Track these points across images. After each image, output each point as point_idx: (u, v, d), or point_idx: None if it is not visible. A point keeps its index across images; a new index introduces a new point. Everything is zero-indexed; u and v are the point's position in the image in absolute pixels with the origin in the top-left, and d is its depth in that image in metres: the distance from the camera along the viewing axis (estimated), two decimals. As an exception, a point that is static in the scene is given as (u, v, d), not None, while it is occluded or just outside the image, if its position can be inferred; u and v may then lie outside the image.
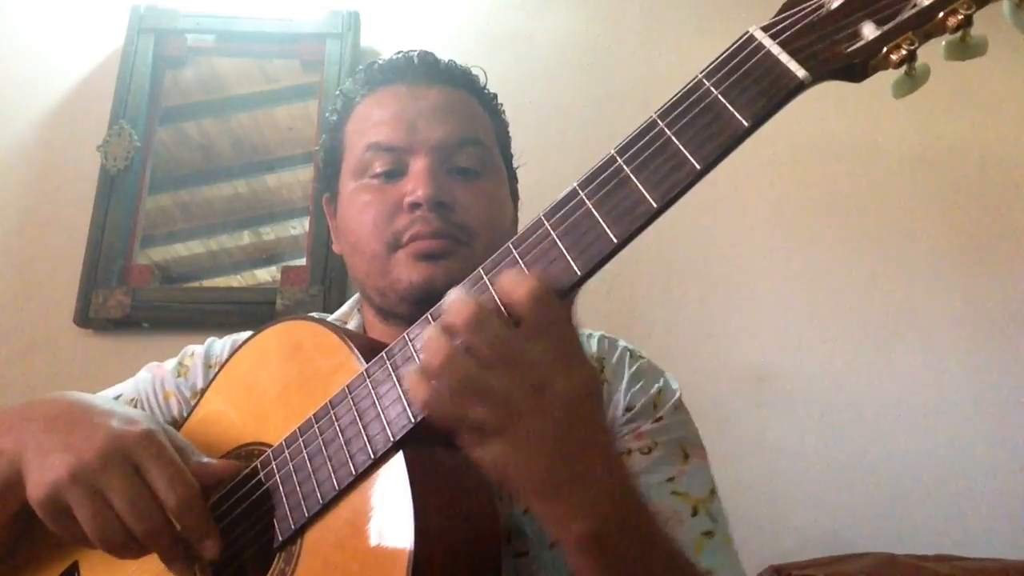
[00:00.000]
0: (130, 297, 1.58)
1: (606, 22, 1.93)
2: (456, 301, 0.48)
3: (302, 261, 1.68)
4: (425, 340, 0.48)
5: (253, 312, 1.60)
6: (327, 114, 0.90)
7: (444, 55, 0.86)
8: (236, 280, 1.83)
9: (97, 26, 1.82)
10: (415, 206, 0.74)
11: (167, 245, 1.83)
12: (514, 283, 0.48)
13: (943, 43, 0.45)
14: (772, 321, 1.68)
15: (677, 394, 0.81)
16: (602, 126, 1.82)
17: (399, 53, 0.85)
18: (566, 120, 1.82)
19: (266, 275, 1.82)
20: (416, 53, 0.84)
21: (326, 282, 1.61)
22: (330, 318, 0.87)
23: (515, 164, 0.91)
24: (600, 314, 1.55)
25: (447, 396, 0.48)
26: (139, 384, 0.85)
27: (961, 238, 1.74)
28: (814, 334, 1.67)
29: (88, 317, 1.57)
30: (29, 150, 1.74)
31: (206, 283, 1.83)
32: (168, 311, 1.60)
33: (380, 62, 0.85)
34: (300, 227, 1.79)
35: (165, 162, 1.80)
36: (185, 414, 0.79)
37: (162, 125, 1.79)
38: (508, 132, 0.91)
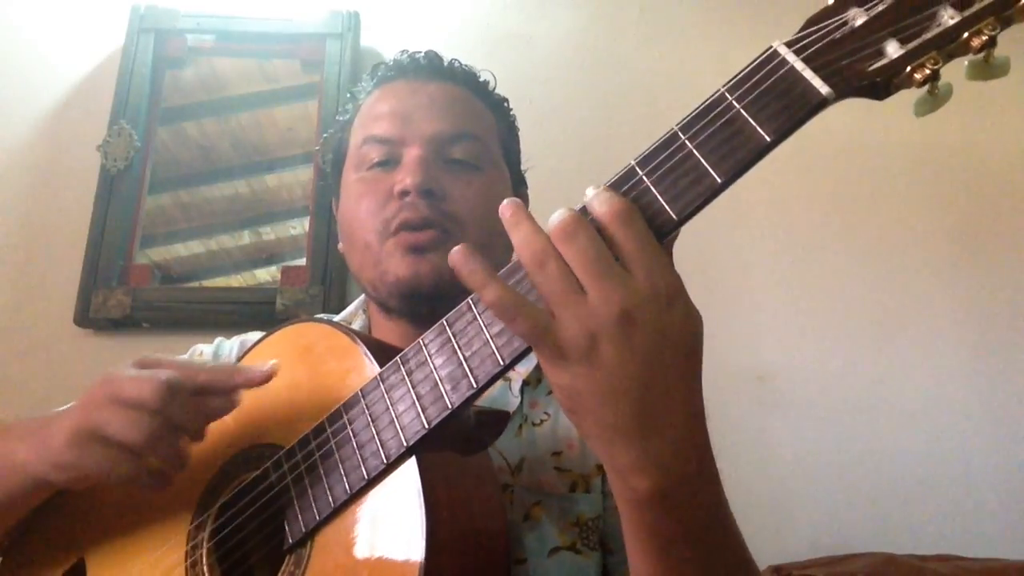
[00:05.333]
0: (130, 297, 1.58)
1: (606, 22, 1.93)
2: (558, 212, 0.46)
3: (302, 261, 1.68)
4: (523, 236, 0.46)
5: (253, 312, 1.60)
6: (338, 115, 0.91)
7: (444, 55, 0.87)
8: (236, 280, 1.83)
9: (97, 26, 1.82)
10: (404, 193, 0.75)
11: (167, 245, 1.83)
12: (602, 200, 0.46)
13: (966, 63, 0.45)
14: (772, 321, 1.68)
15: None
16: (602, 126, 1.82)
17: (404, 52, 0.86)
18: (566, 120, 1.82)
19: (266, 275, 1.82)
20: (422, 52, 0.85)
21: (326, 282, 1.61)
22: (336, 319, 0.87)
23: (524, 168, 0.91)
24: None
25: (529, 304, 0.46)
26: None
27: (961, 238, 1.74)
28: (814, 334, 1.67)
29: (88, 317, 1.57)
30: (29, 150, 1.74)
31: (206, 283, 1.83)
32: (168, 311, 1.60)
33: (387, 61, 0.86)
34: (300, 227, 1.79)
35: (165, 162, 1.80)
36: None
37: (162, 125, 1.79)
38: (516, 135, 0.91)
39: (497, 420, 0.58)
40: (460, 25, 1.88)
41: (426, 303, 0.74)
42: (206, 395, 0.59)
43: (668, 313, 0.45)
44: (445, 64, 0.85)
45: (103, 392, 0.57)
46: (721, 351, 1.66)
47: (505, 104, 0.90)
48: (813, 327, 1.67)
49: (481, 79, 0.88)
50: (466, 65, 0.87)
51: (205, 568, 0.62)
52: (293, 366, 0.66)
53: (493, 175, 0.82)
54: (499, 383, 0.77)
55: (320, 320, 0.69)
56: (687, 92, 1.84)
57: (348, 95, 0.90)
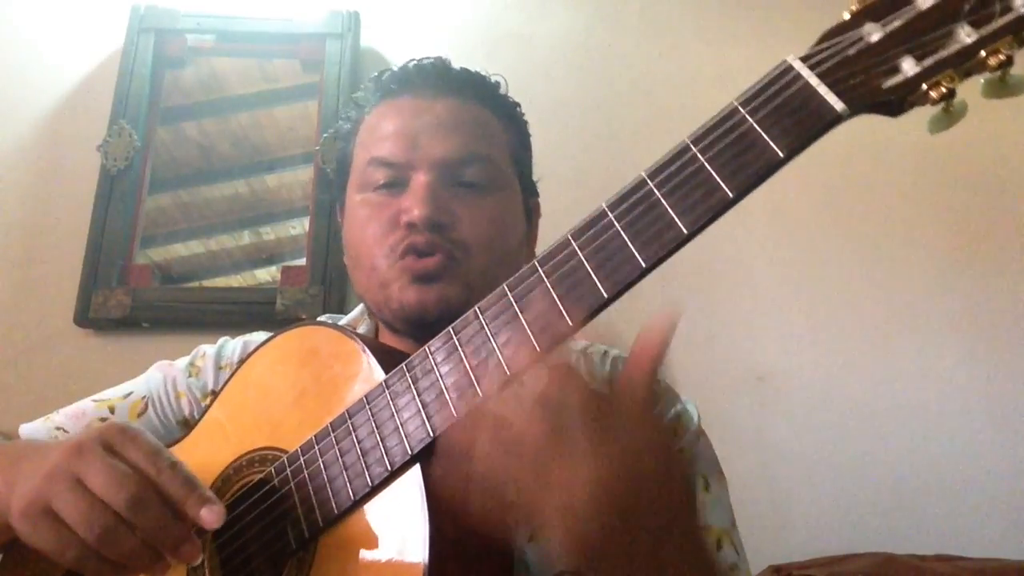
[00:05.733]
0: (130, 297, 1.58)
1: (606, 22, 1.93)
2: (542, 375, 0.46)
3: (302, 261, 1.68)
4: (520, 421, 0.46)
5: (253, 312, 1.60)
6: (340, 121, 0.88)
7: (444, 55, 0.84)
8: (236, 280, 1.83)
9: (97, 26, 1.82)
10: (411, 225, 0.72)
11: (167, 245, 1.83)
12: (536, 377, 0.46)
13: (982, 80, 0.45)
14: (772, 321, 1.68)
15: (696, 419, 0.78)
16: (601, 126, 1.82)
17: (412, 61, 0.82)
18: (566, 120, 1.82)
19: (266, 275, 1.82)
20: (428, 62, 0.82)
21: (326, 282, 1.61)
22: (342, 322, 0.86)
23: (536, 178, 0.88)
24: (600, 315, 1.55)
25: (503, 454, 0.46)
26: (150, 383, 0.84)
27: (961, 238, 1.75)
28: (814, 334, 1.67)
29: (88, 317, 1.57)
30: (29, 150, 1.74)
31: (206, 283, 1.83)
32: (168, 311, 1.60)
33: (392, 70, 0.83)
34: (300, 227, 1.79)
35: (165, 162, 1.80)
36: (197, 415, 0.79)
37: (162, 125, 1.79)
38: (528, 143, 0.88)
39: None
40: (460, 25, 1.88)
41: (431, 329, 0.73)
42: (173, 505, 0.55)
43: (645, 481, 0.45)
44: (453, 75, 0.81)
45: (71, 468, 0.54)
46: (721, 351, 1.67)
47: (517, 110, 0.86)
48: (813, 327, 1.67)
49: (492, 81, 0.84)
50: (476, 73, 0.83)
51: (207, 571, 0.62)
52: (298, 370, 0.65)
53: (502, 196, 0.79)
54: None
55: (326, 324, 0.68)
56: (687, 92, 1.86)
57: (351, 100, 0.87)
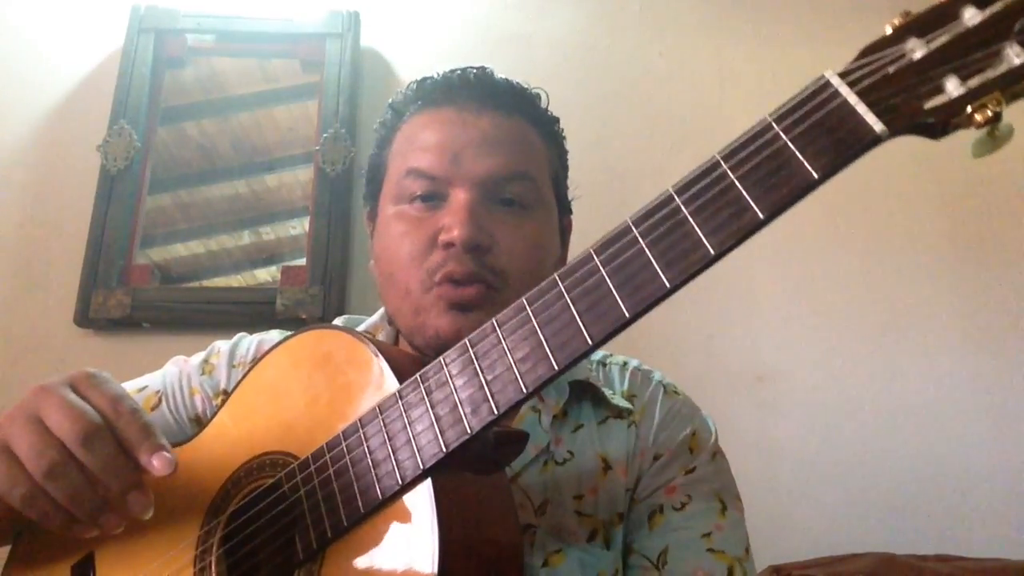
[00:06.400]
0: (130, 297, 1.58)
1: (606, 22, 1.93)
2: None
3: (302, 261, 1.68)
4: None
5: (253, 312, 1.60)
6: (374, 127, 0.86)
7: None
8: (236, 280, 1.83)
9: (97, 26, 1.82)
10: (449, 245, 0.71)
11: (167, 245, 1.83)
12: None
13: None
14: (772, 321, 1.68)
15: (713, 438, 0.77)
16: (601, 126, 1.82)
17: (456, 71, 0.80)
18: (566, 120, 1.80)
19: (266, 275, 1.82)
20: (472, 72, 0.79)
21: (326, 282, 1.61)
22: (361, 327, 0.85)
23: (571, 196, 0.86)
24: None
25: None
26: (166, 378, 0.84)
27: (961, 238, 1.75)
28: (814, 334, 1.67)
29: (88, 317, 1.57)
30: (29, 150, 1.74)
31: (206, 283, 1.83)
32: (168, 311, 1.60)
33: (434, 78, 0.81)
34: (300, 227, 1.79)
35: (165, 162, 1.80)
36: (209, 413, 0.79)
37: (162, 125, 1.79)
38: (565, 160, 0.86)
39: (516, 440, 0.57)
40: (460, 25, 1.88)
41: None
42: (126, 450, 0.55)
43: None
44: (498, 89, 0.79)
45: (30, 407, 0.55)
46: (721, 351, 1.67)
47: (556, 126, 0.85)
48: (813, 327, 1.67)
49: (535, 103, 0.82)
50: (520, 86, 0.81)
51: (214, 575, 0.61)
52: (311, 374, 0.64)
53: (542, 216, 0.78)
54: (529, 412, 0.75)
55: (340, 328, 0.67)
56: (687, 91, 1.86)
57: (388, 104, 0.84)
